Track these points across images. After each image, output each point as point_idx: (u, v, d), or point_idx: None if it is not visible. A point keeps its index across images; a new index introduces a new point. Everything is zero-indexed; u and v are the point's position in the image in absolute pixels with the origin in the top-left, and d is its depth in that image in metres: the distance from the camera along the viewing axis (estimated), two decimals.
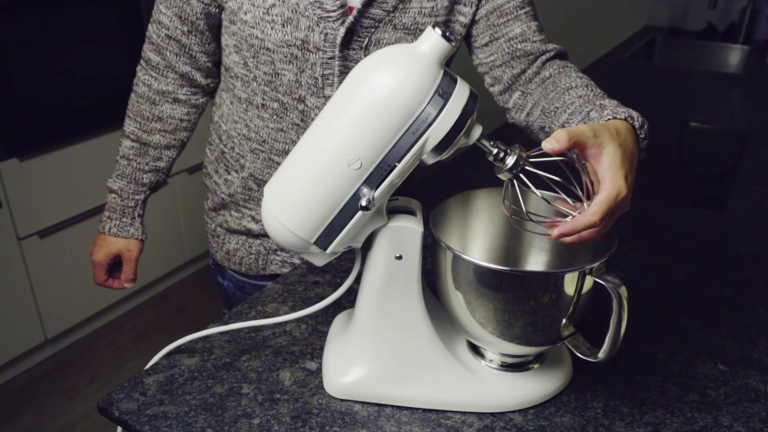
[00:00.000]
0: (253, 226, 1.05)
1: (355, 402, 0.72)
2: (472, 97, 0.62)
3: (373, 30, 0.89)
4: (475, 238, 0.79)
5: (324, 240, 0.66)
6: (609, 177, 0.61)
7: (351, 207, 0.64)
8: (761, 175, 1.35)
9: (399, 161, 0.62)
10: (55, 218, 2.05)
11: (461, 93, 0.61)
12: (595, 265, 0.63)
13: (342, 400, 0.72)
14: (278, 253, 1.06)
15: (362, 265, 0.72)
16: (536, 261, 0.79)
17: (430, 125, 0.60)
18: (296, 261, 1.05)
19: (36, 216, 1.99)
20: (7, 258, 1.94)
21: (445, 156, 0.63)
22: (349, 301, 0.89)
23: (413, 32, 0.90)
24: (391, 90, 0.59)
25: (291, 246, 0.66)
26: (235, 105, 0.99)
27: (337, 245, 0.66)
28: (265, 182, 1.01)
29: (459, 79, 0.62)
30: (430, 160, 0.63)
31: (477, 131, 0.64)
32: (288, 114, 0.95)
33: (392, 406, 0.72)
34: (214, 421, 0.69)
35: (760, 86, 2.01)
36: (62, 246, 2.10)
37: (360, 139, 0.60)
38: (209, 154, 1.10)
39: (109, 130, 2.16)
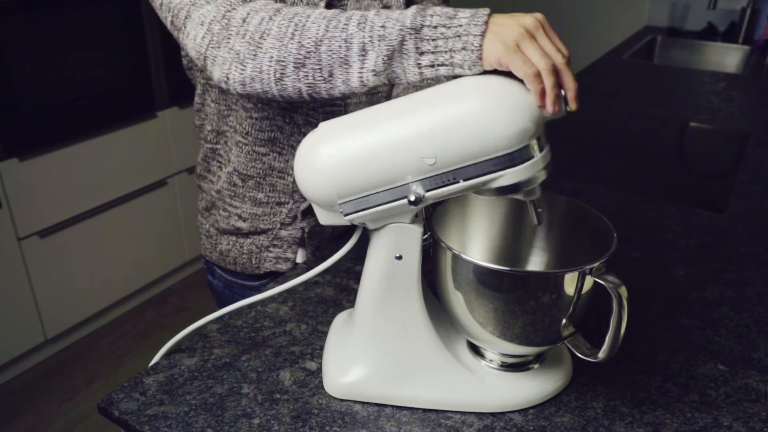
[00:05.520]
0: (241, 224, 1.05)
1: (355, 402, 0.72)
2: (549, 166, 0.64)
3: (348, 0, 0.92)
4: (475, 238, 0.79)
5: (350, 206, 0.65)
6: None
7: (396, 192, 0.63)
8: (761, 175, 1.35)
9: (465, 180, 0.63)
10: (55, 218, 2.05)
11: (546, 154, 0.63)
12: (595, 265, 0.63)
13: (342, 400, 0.72)
14: (270, 249, 1.06)
15: (360, 236, 0.72)
16: (536, 261, 0.79)
17: (511, 167, 0.61)
18: (289, 256, 1.05)
19: (36, 216, 1.99)
20: (7, 258, 1.94)
21: (495, 196, 0.65)
22: (349, 301, 0.89)
23: None
24: (494, 125, 0.60)
25: (314, 195, 0.65)
26: (219, 102, 0.99)
27: (357, 217, 0.66)
28: (249, 177, 1.01)
29: (548, 144, 0.65)
30: (486, 194, 0.64)
31: (535, 194, 0.67)
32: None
33: (392, 406, 0.72)
34: (214, 421, 0.69)
35: (760, 86, 2.01)
36: (62, 246, 2.10)
37: (447, 143, 0.60)
38: (198, 157, 1.10)
39: (109, 130, 2.16)
